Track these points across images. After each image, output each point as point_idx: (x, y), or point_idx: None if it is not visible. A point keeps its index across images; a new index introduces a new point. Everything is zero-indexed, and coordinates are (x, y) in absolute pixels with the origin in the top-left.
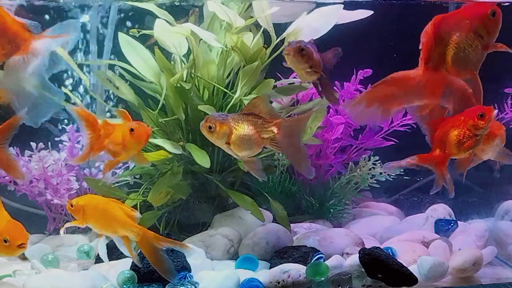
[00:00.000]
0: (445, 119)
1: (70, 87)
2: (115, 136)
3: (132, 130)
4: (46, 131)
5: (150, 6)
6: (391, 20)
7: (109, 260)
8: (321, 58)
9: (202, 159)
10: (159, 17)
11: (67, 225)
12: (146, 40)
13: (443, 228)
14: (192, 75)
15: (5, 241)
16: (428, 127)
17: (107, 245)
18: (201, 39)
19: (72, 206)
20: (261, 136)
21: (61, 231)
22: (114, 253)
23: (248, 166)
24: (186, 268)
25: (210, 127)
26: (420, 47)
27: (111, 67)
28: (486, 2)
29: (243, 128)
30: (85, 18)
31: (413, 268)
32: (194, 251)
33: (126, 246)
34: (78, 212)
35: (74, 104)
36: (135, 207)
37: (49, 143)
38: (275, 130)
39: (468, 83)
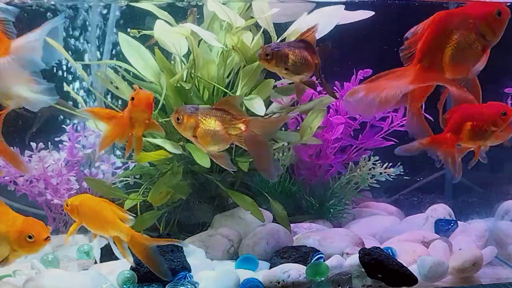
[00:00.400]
0: (466, 106)
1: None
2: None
3: (132, 98)
4: (46, 131)
5: (150, 7)
6: (391, 20)
7: (109, 260)
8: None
9: (202, 159)
10: (159, 18)
11: (70, 232)
12: (146, 40)
13: (443, 228)
14: (192, 75)
15: (30, 237)
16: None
17: (106, 245)
18: (201, 39)
19: (67, 205)
20: (228, 132)
21: (66, 243)
22: (114, 253)
23: (217, 161)
24: (186, 268)
25: (178, 119)
26: (405, 45)
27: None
28: (491, 2)
29: (210, 123)
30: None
31: (413, 268)
32: (186, 245)
33: (118, 246)
34: (73, 211)
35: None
36: (135, 207)
37: (49, 143)
38: (242, 127)
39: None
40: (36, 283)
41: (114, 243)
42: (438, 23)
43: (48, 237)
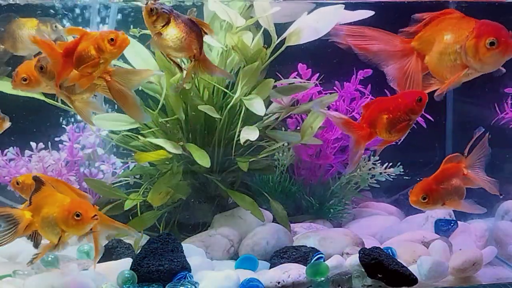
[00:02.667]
0: (380, 99)
1: None
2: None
3: (112, 40)
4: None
5: None
6: (391, 21)
7: (109, 260)
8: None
9: (202, 159)
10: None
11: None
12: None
13: (443, 228)
14: (193, 74)
15: (78, 216)
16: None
17: (105, 246)
18: None
19: (17, 183)
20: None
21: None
22: (114, 253)
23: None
24: (186, 268)
25: (41, 67)
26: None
27: None
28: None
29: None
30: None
31: (413, 268)
32: (137, 235)
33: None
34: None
35: None
36: (135, 207)
37: (49, 143)
38: (107, 78)
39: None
40: (36, 283)
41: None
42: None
43: (95, 215)
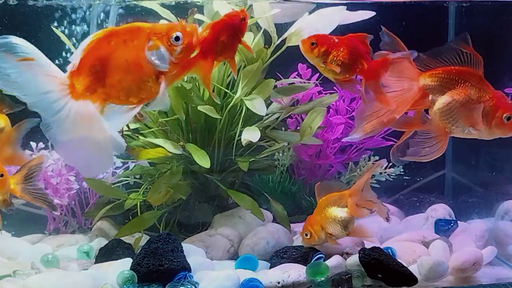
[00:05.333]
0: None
1: None
2: None
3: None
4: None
5: (153, 5)
6: (392, 21)
7: (109, 260)
8: None
9: (202, 159)
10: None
11: None
12: None
13: (443, 228)
14: (193, 74)
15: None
16: None
17: (106, 245)
18: None
19: None
20: None
21: None
22: (114, 253)
23: None
24: (186, 268)
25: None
26: None
27: None
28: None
29: None
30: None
31: (413, 268)
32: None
33: None
34: None
35: None
36: (135, 207)
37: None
38: None
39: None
40: (36, 283)
41: None
42: None
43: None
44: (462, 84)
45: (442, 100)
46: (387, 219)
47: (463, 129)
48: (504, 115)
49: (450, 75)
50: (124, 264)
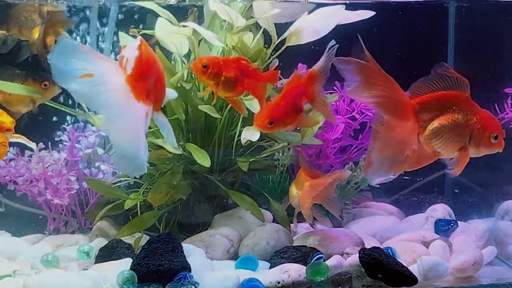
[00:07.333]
0: None
1: None
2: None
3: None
4: (46, 131)
5: (152, 5)
6: (392, 21)
7: (109, 260)
8: None
9: (202, 159)
10: (161, 17)
11: None
12: (147, 40)
13: (443, 228)
14: (193, 75)
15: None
16: None
17: (106, 245)
18: (201, 39)
19: None
20: None
21: None
22: (114, 253)
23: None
24: (186, 268)
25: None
26: None
27: None
28: None
29: None
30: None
31: (413, 268)
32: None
33: None
34: None
35: None
36: (135, 207)
37: (49, 143)
38: None
39: None
40: (36, 283)
41: None
42: None
43: None
44: (449, 109)
45: (431, 127)
46: (341, 217)
47: (452, 153)
48: (492, 134)
49: (438, 101)
50: (124, 264)
